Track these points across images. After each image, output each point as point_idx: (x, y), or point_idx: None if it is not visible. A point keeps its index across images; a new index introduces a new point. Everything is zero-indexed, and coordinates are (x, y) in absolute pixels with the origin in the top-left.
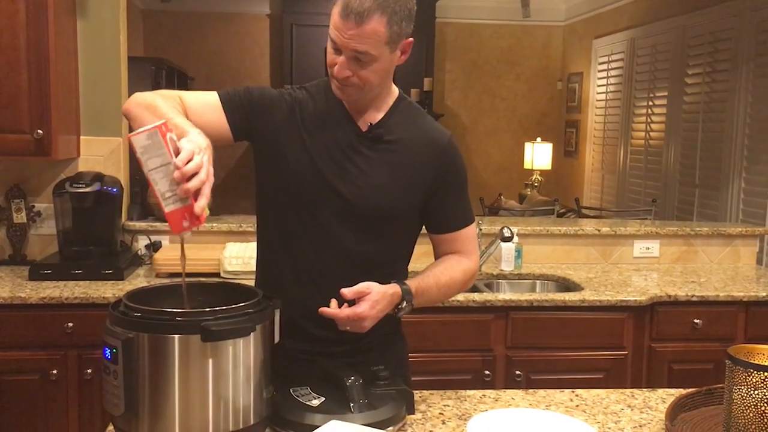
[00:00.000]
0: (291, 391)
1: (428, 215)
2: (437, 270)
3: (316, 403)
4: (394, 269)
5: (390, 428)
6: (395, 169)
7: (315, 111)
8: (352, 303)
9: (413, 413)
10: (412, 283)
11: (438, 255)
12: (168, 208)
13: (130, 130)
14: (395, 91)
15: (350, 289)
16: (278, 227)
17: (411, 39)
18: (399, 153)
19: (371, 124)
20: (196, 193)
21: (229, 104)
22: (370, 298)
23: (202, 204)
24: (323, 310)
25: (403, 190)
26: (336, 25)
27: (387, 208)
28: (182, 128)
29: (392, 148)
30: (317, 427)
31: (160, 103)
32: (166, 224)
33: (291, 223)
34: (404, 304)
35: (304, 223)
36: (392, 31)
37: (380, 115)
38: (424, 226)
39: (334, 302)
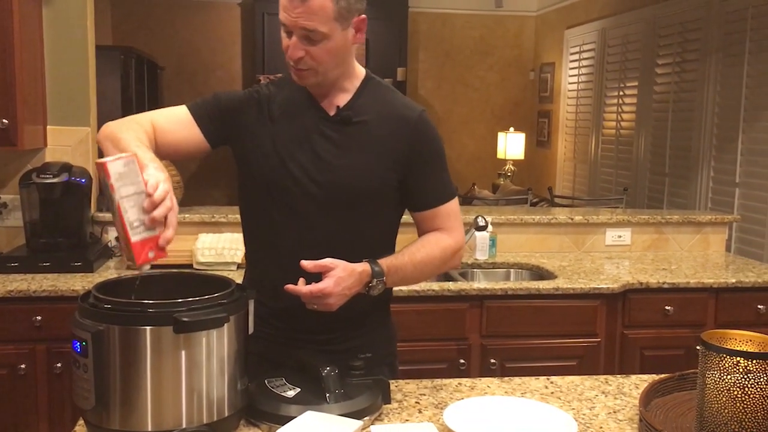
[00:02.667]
0: (266, 382)
1: (406, 193)
2: (413, 247)
3: (291, 393)
4: (380, 252)
5: (366, 418)
6: (366, 149)
7: (282, 103)
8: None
9: (389, 402)
10: (384, 261)
11: (420, 234)
12: (135, 237)
13: (100, 155)
14: (361, 71)
15: (312, 261)
16: (261, 223)
17: (364, 16)
18: (369, 133)
19: (338, 107)
20: (163, 223)
21: (199, 115)
22: (335, 275)
23: (169, 234)
24: (288, 287)
25: (377, 169)
26: (283, 6)
27: (362, 188)
28: (141, 162)
29: (362, 129)
30: (293, 418)
31: (124, 135)
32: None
33: (272, 218)
34: (374, 281)
35: (284, 216)
36: (340, 7)
37: (347, 97)
38: (407, 211)
39: (301, 280)
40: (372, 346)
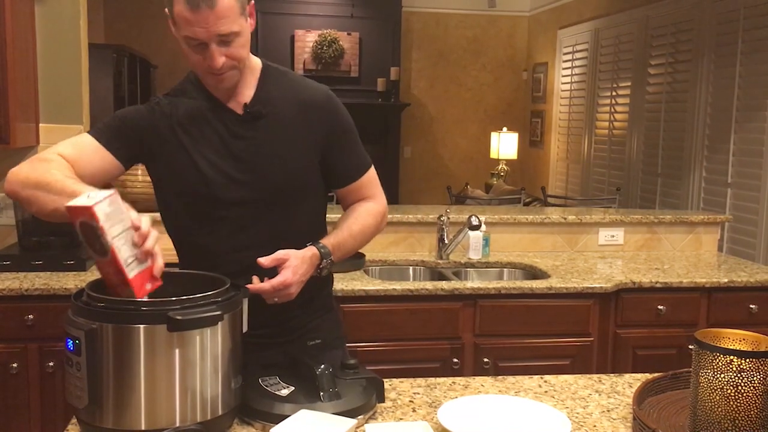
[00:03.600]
0: (260, 380)
1: (328, 172)
2: (349, 221)
3: (285, 392)
4: (314, 239)
5: (360, 417)
6: (282, 140)
7: (187, 113)
8: (271, 274)
9: (383, 401)
10: (327, 241)
11: (346, 207)
12: (131, 273)
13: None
14: (257, 61)
15: (267, 258)
16: (192, 235)
17: (252, 2)
18: (281, 123)
19: (245, 104)
20: (154, 253)
21: (107, 139)
22: (290, 264)
23: (161, 263)
24: (249, 286)
25: (298, 158)
26: (189, 21)
27: (288, 180)
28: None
29: (273, 121)
30: (287, 416)
31: (54, 177)
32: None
33: (202, 228)
34: (323, 262)
35: (214, 225)
36: (241, 1)
37: (251, 92)
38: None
39: (255, 278)
40: (320, 331)
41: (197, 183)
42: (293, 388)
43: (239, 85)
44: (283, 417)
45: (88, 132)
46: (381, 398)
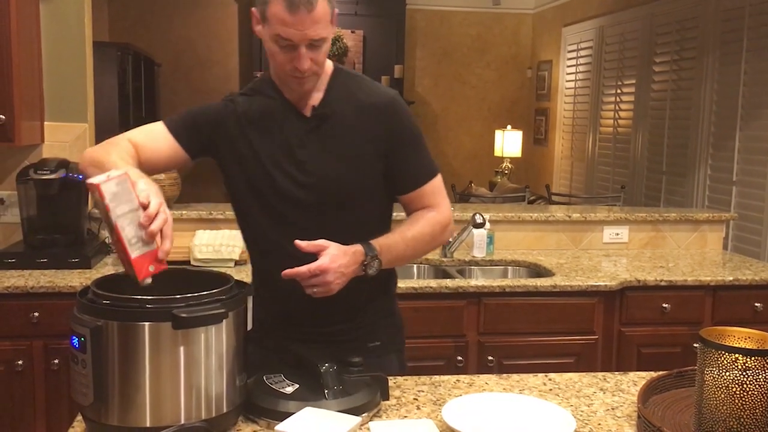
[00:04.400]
0: (264, 378)
1: (391, 178)
2: (404, 226)
3: (290, 390)
4: None
5: (364, 414)
6: (348, 144)
7: (258, 112)
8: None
9: (388, 399)
10: (376, 240)
11: (408, 214)
12: (134, 253)
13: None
14: (329, 65)
15: (308, 243)
16: (256, 232)
17: (336, 9)
18: (347, 127)
19: (313, 106)
20: (161, 235)
21: (176, 130)
22: (329, 252)
23: (167, 247)
24: (286, 271)
25: (362, 163)
26: (286, 22)
27: (352, 184)
28: (131, 178)
29: (340, 125)
30: (291, 414)
31: (109, 158)
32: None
33: (265, 225)
34: (368, 258)
35: (276, 223)
36: (332, 7)
37: (320, 95)
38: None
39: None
40: (378, 335)
41: (263, 180)
42: (298, 385)
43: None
44: (288, 414)
45: (163, 120)
46: (385, 396)
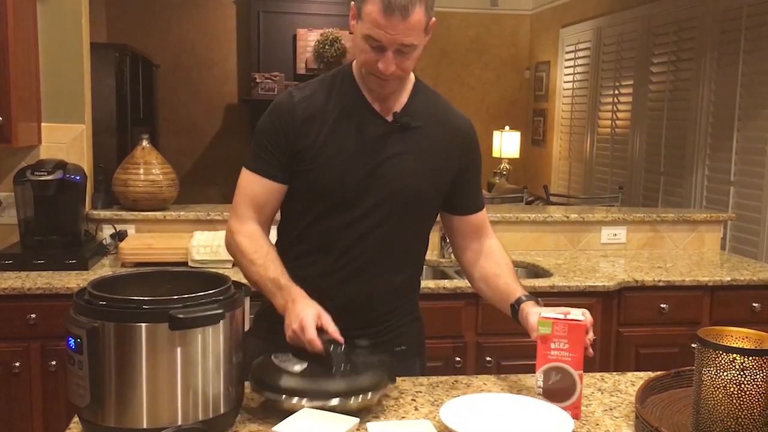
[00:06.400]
0: (272, 357)
1: (455, 198)
2: (506, 267)
3: (298, 368)
4: (421, 253)
5: (370, 394)
6: (425, 155)
7: (338, 108)
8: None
9: (395, 382)
10: (528, 295)
11: (460, 236)
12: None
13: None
14: (412, 75)
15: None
16: (317, 227)
17: (434, 19)
18: (426, 139)
19: (395, 112)
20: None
21: (274, 174)
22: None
23: None
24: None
25: (433, 176)
26: (378, 24)
27: (422, 194)
28: (284, 301)
29: (419, 135)
30: (298, 390)
31: (251, 273)
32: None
33: (330, 222)
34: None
35: (341, 221)
36: (428, 17)
37: (402, 102)
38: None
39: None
40: (407, 338)
41: (336, 177)
42: (306, 364)
43: (394, 93)
44: (294, 391)
45: (248, 168)
46: (393, 378)
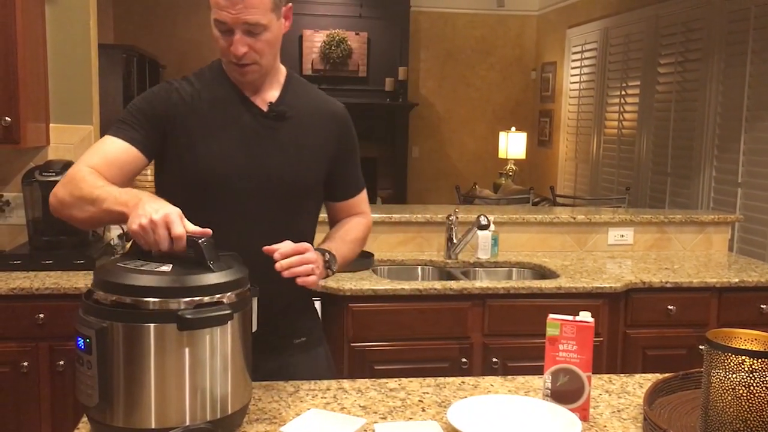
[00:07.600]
0: (121, 264)
1: (332, 184)
2: (341, 231)
3: (166, 268)
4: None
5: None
6: (300, 145)
7: (211, 99)
8: (267, 264)
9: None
10: (324, 245)
11: (338, 220)
12: None
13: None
14: (282, 67)
15: (292, 246)
16: (198, 221)
17: (290, 4)
18: (302, 128)
19: (270, 103)
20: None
21: (133, 138)
22: (311, 248)
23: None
24: (267, 248)
25: (311, 164)
26: (220, 5)
27: (300, 184)
28: (134, 199)
29: (295, 124)
30: (179, 289)
31: (99, 190)
32: None
33: (212, 215)
34: (328, 256)
35: (221, 213)
36: None
37: (276, 93)
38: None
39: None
40: (305, 330)
41: (210, 168)
42: (172, 264)
43: (266, 84)
44: (174, 290)
45: (109, 134)
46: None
